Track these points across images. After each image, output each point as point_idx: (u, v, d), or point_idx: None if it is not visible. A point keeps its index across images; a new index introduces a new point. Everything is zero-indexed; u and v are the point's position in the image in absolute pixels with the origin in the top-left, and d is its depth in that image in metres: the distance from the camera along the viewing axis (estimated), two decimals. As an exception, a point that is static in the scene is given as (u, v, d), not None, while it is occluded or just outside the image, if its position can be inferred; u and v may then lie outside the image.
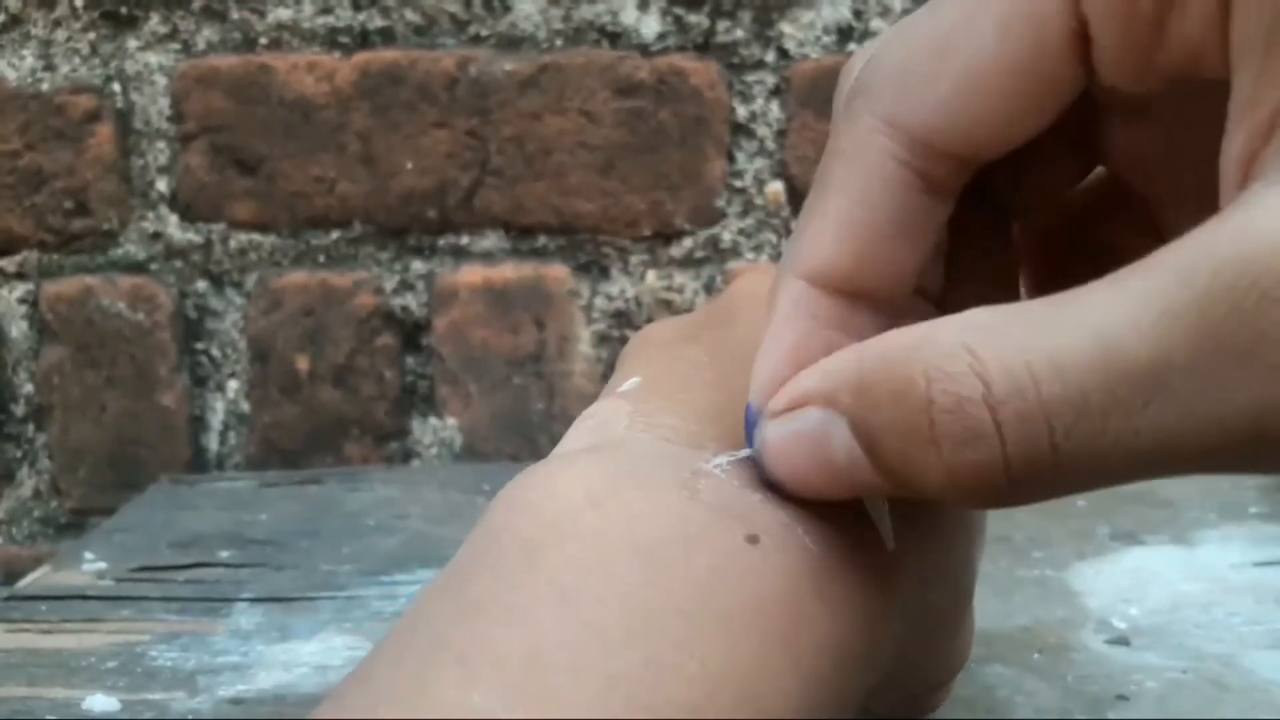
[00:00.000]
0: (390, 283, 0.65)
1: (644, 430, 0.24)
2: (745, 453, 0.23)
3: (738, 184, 0.63)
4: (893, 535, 0.23)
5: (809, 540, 0.22)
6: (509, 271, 0.64)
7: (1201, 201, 0.19)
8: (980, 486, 0.18)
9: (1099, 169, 0.25)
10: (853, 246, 0.22)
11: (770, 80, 0.63)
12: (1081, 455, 0.17)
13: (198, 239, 0.64)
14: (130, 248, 0.64)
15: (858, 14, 0.62)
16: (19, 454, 0.67)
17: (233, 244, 0.64)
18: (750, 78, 0.63)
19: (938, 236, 0.23)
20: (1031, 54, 0.20)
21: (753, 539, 0.21)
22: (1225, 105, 0.19)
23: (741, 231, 0.64)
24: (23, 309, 0.65)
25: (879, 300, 0.22)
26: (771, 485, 0.22)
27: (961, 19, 0.21)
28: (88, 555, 0.49)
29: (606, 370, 0.65)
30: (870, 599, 0.22)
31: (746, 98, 0.63)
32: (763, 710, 0.19)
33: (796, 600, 0.21)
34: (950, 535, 0.26)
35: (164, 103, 0.63)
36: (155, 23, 0.63)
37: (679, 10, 0.62)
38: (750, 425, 0.22)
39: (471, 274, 0.64)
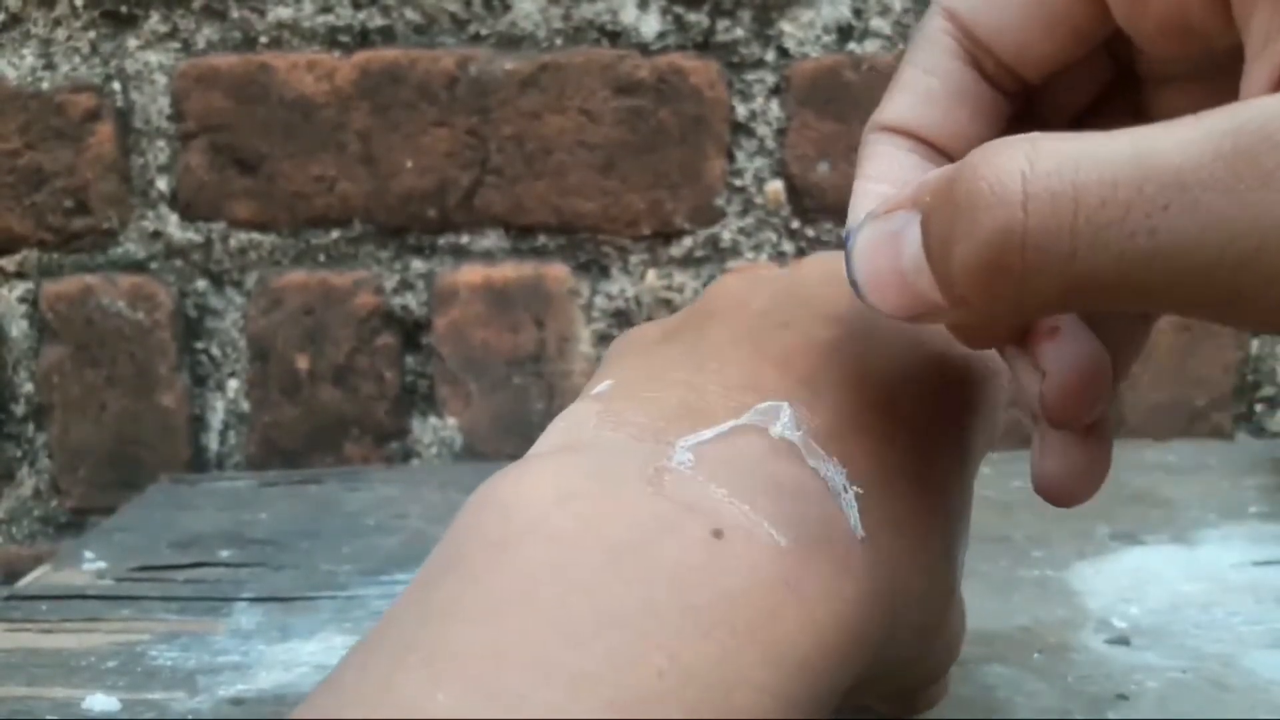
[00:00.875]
0: (390, 282, 0.65)
1: (612, 430, 0.24)
2: (709, 434, 0.24)
3: (738, 183, 0.63)
4: (860, 524, 0.23)
5: (776, 533, 0.22)
6: (509, 271, 0.64)
7: None
8: (996, 260, 0.18)
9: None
10: (920, 103, 0.25)
11: (770, 79, 0.63)
12: (1096, 244, 0.17)
13: (198, 238, 0.64)
14: (130, 247, 0.64)
15: (858, 13, 0.62)
16: (19, 454, 0.67)
17: (233, 243, 0.64)
18: (750, 77, 0.63)
19: (1001, 121, 0.25)
20: None
21: (717, 533, 0.21)
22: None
23: (741, 231, 0.64)
24: (23, 308, 0.65)
25: (951, 156, 0.25)
26: (738, 481, 0.22)
27: None
28: (88, 555, 0.49)
29: (606, 370, 0.65)
30: (842, 590, 0.22)
31: (746, 97, 0.63)
32: (733, 704, 0.19)
33: (765, 593, 0.21)
34: (926, 525, 0.26)
35: (164, 102, 0.63)
36: (155, 22, 0.63)
37: (679, 9, 0.62)
38: (848, 251, 0.23)
39: (471, 273, 0.64)
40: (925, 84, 0.25)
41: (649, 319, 0.64)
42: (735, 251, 0.64)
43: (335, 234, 0.64)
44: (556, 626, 0.19)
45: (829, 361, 0.26)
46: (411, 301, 0.65)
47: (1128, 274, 0.17)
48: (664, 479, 0.22)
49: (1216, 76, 0.23)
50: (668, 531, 0.21)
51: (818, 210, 0.63)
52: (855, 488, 0.24)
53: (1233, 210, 0.17)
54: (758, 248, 0.64)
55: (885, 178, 0.25)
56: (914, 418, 0.26)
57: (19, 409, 0.66)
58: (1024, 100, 0.26)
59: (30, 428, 0.66)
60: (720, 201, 0.63)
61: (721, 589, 0.20)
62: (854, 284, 0.22)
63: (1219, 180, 0.17)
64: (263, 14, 0.63)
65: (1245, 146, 0.17)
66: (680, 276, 0.64)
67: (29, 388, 0.66)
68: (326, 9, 0.63)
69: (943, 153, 0.25)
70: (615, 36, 0.63)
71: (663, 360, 0.27)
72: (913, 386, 0.26)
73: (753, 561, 0.21)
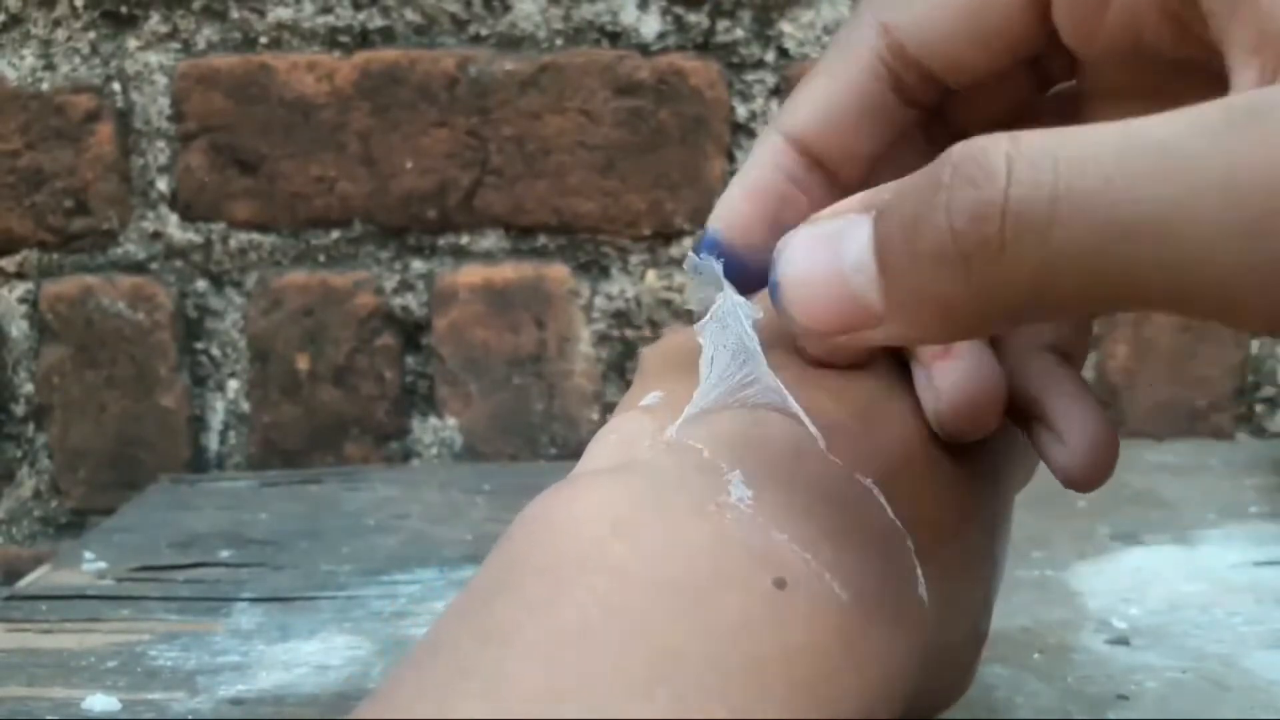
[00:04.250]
0: (390, 283, 0.65)
1: (666, 452, 0.23)
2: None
3: (738, 184, 0.63)
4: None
5: (836, 586, 0.21)
6: (509, 271, 0.64)
7: None
8: (976, 233, 0.17)
9: None
10: (821, 114, 0.25)
11: (770, 80, 0.63)
12: (1078, 216, 0.16)
13: (198, 239, 0.64)
14: (130, 247, 0.64)
15: (858, 14, 0.62)
16: (19, 454, 0.67)
17: (233, 244, 0.64)
18: (750, 77, 0.63)
19: (896, 132, 0.26)
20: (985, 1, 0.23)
21: (780, 583, 0.21)
22: (1203, 98, 0.19)
23: (741, 231, 0.64)
24: (23, 309, 0.65)
25: (836, 173, 0.25)
26: (799, 526, 0.21)
27: None
28: (88, 555, 0.49)
29: (606, 370, 0.65)
30: (895, 649, 0.22)
31: (746, 97, 0.63)
32: None
33: (824, 651, 0.20)
34: (972, 574, 0.26)
35: (164, 102, 0.63)
36: (155, 22, 0.63)
37: (679, 10, 0.62)
38: (706, 246, 0.23)
39: (471, 274, 0.64)
40: (835, 96, 0.25)
41: (649, 319, 0.64)
42: (735, 252, 0.64)
43: (335, 234, 0.64)
44: (617, 671, 0.19)
45: (879, 396, 0.26)
46: (411, 302, 0.65)
47: (1108, 248, 0.16)
48: (725, 516, 0.21)
49: (1160, 92, 0.23)
50: (731, 579, 0.20)
51: (818, 210, 0.63)
52: (910, 542, 0.23)
53: (1223, 181, 0.16)
54: (758, 248, 0.64)
55: (756, 188, 0.25)
56: (955, 460, 0.26)
57: (19, 409, 0.66)
58: (932, 112, 0.26)
59: (30, 428, 0.66)
60: (720, 202, 0.63)
61: (782, 644, 0.20)
62: (775, 290, 0.21)
63: (1209, 158, 0.16)
64: (263, 14, 0.63)
65: (1237, 124, 0.16)
66: (680, 277, 0.64)
67: (29, 388, 0.66)
68: (326, 9, 0.63)
69: (826, 171, 0.25)
70: (615, 37, 0.63)
71: None
72: None
73: (814, 617, 0.21)
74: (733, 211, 0.26)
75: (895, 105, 0.25)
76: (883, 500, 0.24)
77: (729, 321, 0.25)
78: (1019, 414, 0.26)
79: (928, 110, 0.26)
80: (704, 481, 0.22)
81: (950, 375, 0.25)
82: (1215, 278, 0.16)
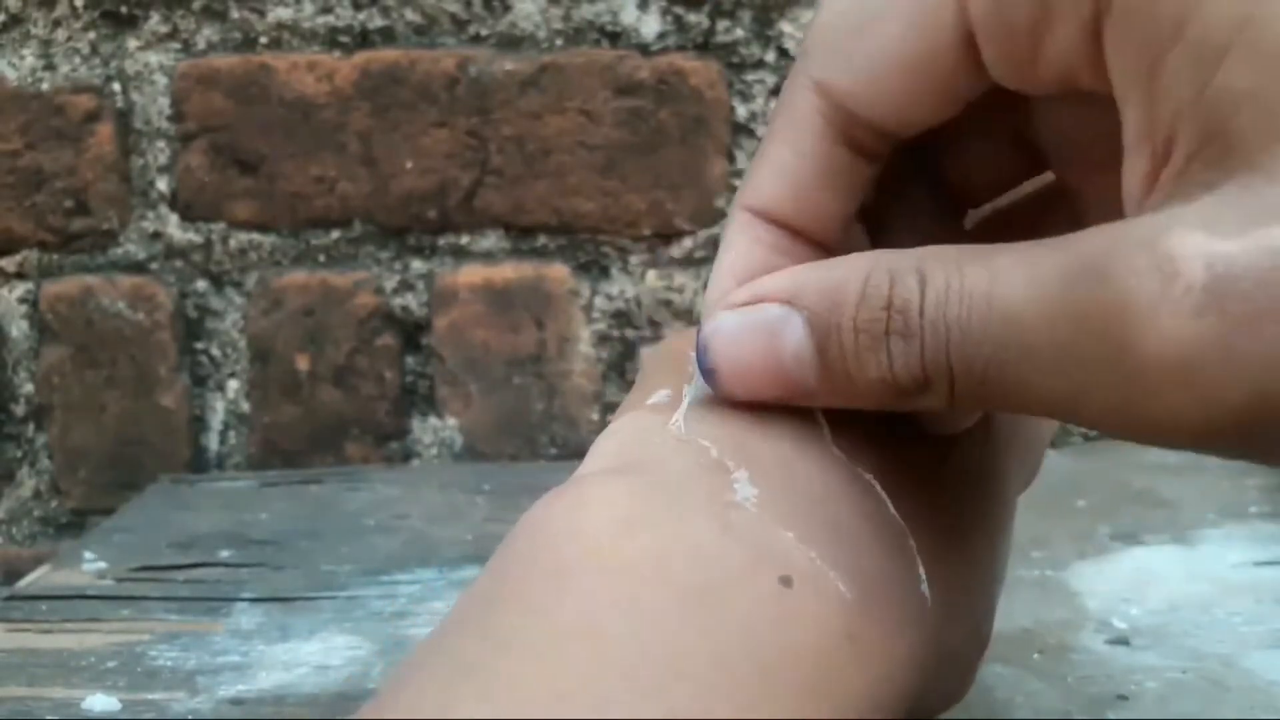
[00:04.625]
0: (390, 283, 0.65)
1: (671, 452, 0.23)
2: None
3: (738, 184, 0.63)
4: (926, 578, 0.23)
5: (841, 584, 0.21)
6: (509, 271, 0.64)
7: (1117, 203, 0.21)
8: (907, 377, 0.21)
9: (1047, 173, 0.27)
10: (785, 188, 0.25)
11: (770, 80, 0.63)
12: (964, 365, 0.20)
13: (198, 239, 0.64)
14: (130, 247, 0.64)
15: (858, 14, 0.62)
16: (19, 454, 0.67)
17: (233, 244, 0.64)
18: (750, 77, 0.63)
19: (864, 188, 0.25)
20: (927, 51, 0.23)
21: (786, 581, 0.21)
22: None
23: (741, 231, 0.64)
24: (23, 309, 0.65)
25: (812, 236, 0.25)
26: (804, 524, 0.22)
27: (879, 2, 0.23)
28: (88, 555, 0.49)
29: (607, 370, 0.65)
30: (898, 646, 0.22)
31: (746, 98, 0.63)
32: None
33: (830, 650, 0.20)
34: (976, 575, 0.26)
35: (164, 102, 0.63)
36: (155, 22, 0.63)
37: (679, 10, 0.62)
38: (703, 341, 0.24)
39: (471, 274, 0.64)
40: (790, 162, 0.24)
41: (649, 319, 0.64)
42: (735, 252, 0.64)
43: (335, 234, 0.64)
44: (622, 672, 0.18)
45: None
46: (411, 302, 0.65)
47: (987, 386, 0.20)
48: (730, 515, 0.21)
49: (1109, 103, 0.22)
50: (739, 578, 0.20)
51: (818, 211, 0.63)
52: (913, 540, 0.23)
53: (1049, 339, 0.19)
54: (758, 248, 0.64)
55: (744, 271, 0.24)
56: (957, 459, 0.26)
57: (19, 409, 0.66)
58: (889, 157, 0.25)
59: (30, 428, 0.66)
60: (720, 202, 0.63)
61: (789, 643, 0.20)
62: (708, 372, 0.23)
63: (1035, 318, 0.19)
64: (263, 14, 0.63)
65: (1066, 284, 0.19)
66: (680, 277, 0.64)
67: (29, 388, 0.66)
68: (326, 9, 0.63)
69: (804, 235, 0.25)
70: (615, 37, 0.63)
71: None
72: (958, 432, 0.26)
73: (820, 615, 0.21)
74: (724, 297, 0.25)
75: (852, 161, 0.24)
76: (884, 496, 0.24)
77: None
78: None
79: (883, 159, 0.25)
80: (710, 480, 0.22)
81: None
82: (1074, 415, 0.20)
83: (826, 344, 0.22)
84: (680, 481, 0.22)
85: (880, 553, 0.22)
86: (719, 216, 0.64)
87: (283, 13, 0.63)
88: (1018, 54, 0.22)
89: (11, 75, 0.63)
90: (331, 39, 0.63)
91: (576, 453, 0.64)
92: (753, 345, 0.23)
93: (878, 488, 0.24)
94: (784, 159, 0.25)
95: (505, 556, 0.21)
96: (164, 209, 0.64)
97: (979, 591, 0.26)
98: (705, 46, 0.62)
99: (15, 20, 0.63)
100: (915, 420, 0.26)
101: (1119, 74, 0.20)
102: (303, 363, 0.65)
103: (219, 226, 0.64)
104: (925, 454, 0.25)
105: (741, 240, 0.25)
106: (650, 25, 0.62)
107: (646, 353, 0.30)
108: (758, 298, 0.23)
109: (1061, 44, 0.21)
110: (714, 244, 0.64)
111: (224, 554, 0.49)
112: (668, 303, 0.64)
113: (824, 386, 0.22)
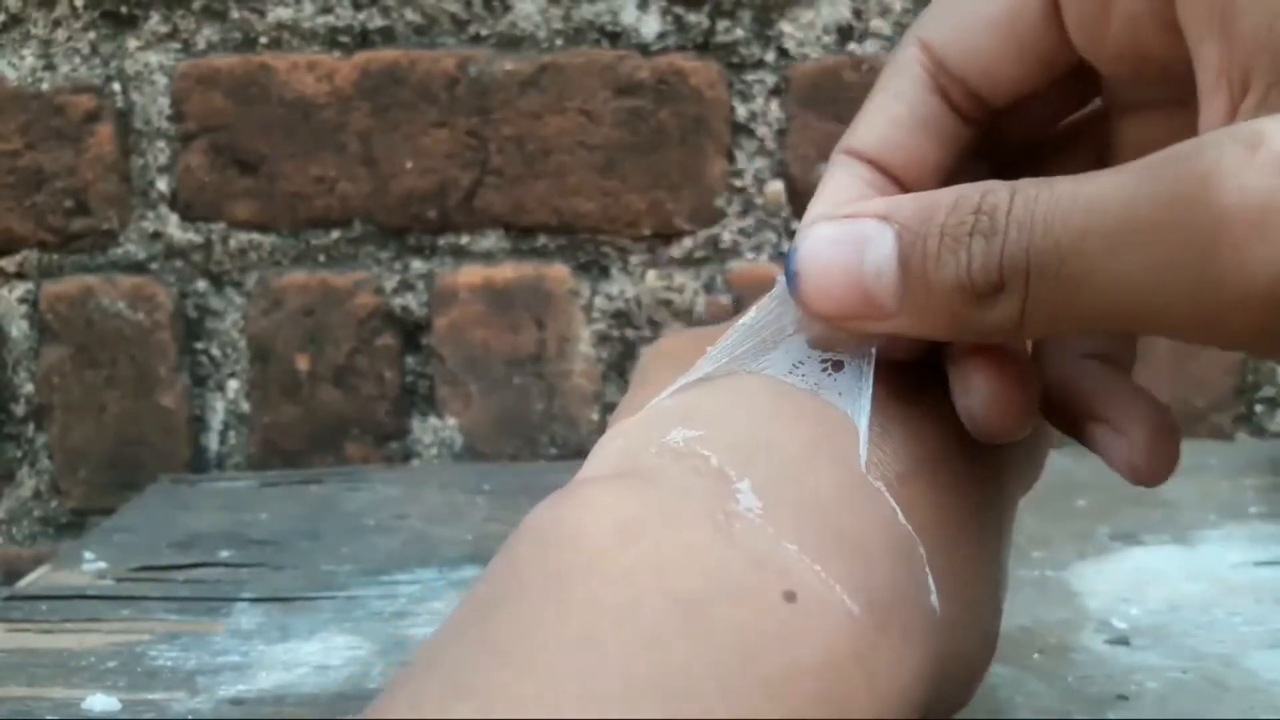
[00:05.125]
0: (390, 283, 0.65)
1: (673, 459, 0.23)
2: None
3: (738, 184, 0.63)
4: (935, 590, 0.23)
5: (847, 598, 0.21)
6: (509, 271, 0.64)
7: None
8: (984, 280, 0.21)
9: None
10: (884, 130, 0.26)
11: (770, 80, 0.63)
12: (1044, 269, 0.20)
13: (198, 239, 0.64)
14: (130, 247, 0.64)
15: (858, 13, 0.62)
16: (19, 454, 0.67)
17: (233, 244, 0.64)
18: (750, 77, 0.63)
19: (960, 147, 0.27)
20: (1013, 8, 0.25)
21: (790, 595, 0.20)
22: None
23: (741, 231, 0.64)
24: (23, 309, 0.65)
25: (909, 187, 0.26)
26: (809, 536, 0.21)
27: None
28: (88, 555, 0.49)
29: (607, 370, 0.65)
30: (906, 662, 0.21)
31: (746, 97, 0.63)
32: None
33: (837, 668, 0.20)
34: (983, 585, 0.26)
35: (164, 102, 0.63)
36: (155, 22, 0.63)
37: (679, 10, 0.62)
38: (794, 247, 0.24)
39: (471, 274, 0.64)
40: (894, 110, 0.26)
41: (649, 320, 0.64)
42: (735, 252, 0.64)
43: (335, 234, 0.64)
44: (621, 685, 0.18)
45: (894, 399, 0.25)
46: (411, 302, 0.65)
47: (1070, 291, 0.20)
48: (734, 526, 0.21)
49: (1179, 104, 0.24)
50: (740, 590, 0.20)
51: (818, 211, 0.63)
52: (922, 549, 0.23)
53: (1129, 227, 0.19)
54: (758, 249, 0.64)
55: (841, 202, 0.25)
56: (965, 464, 0.26)
57: (19, 409, 0.66)
58: (985, 128, 0.27)
59: (30, 428, 0.66)
60: (720, 202, 0.63)
61: (793, 660, 0.19)
62: (792, 275, 0.23)
63: (1117, 208, 0.19)
64: (263, 14, 0.63)
65: (1146, 177, 0.19)
66: (680, 277, 0.64)
67: (29, 388, 0.66)
68: (326, 9, 0.63)
69: (899, 181, 0.26)
70: (615, 37, 0.63)
71: (720, 382, 0.26)
72: (962, 433, 0.26)
73: (825, 632, 0.20)
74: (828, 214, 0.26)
75: (952, 119, 0.26)
76: (895, 505, 0.23)
77: (772, 309, 0.26)
78: (1068, 417, 0.26)
79: (981, 127, 0.27)
80: (711, 489, 0.22)
81: (986, 371, 0.24)
82: (1147, 308, 0.19)
83: (910, 254, 0.22)
84: (681, 489, 0.22)
85: (889, 565, 0.22)
86: (719, 216, 0.64)
87: (283, 13, 0.63)
88: (1092, 10, 0.23)
89: (11, 75, 0.63)
90: (331, 39, 0.63)
91: (577, 452, 0.64)
92: (839, 254, 0.23)
93: (886, 495, 0.23)
94: (884, 104, 0.26)
95: (505, 561, 0.21)
96: (164, 209, 0.64)
97: (987, 598, 0.26)
98: (705, 46, 0.62)
99: (15, 20, 0.63)
100: (933, 425, 0.25)
101: (1191, 22, 0.21)
102: (303, 363, 0.65)
103: (219, 226, 0.64)
104: (934, 458, 0.25)
105: (840, 174, 0.26)
106: (650, 25, 0.62)
107: (645, 352, 0.30)
108: (852, 213, 0.23)
109: (1135, 2, 0.23)
110: (714, 244, 0.64)
111: (224, 554, 0.49)
112: (668, 303, 0.64)
113: (899, 302, 0.22)
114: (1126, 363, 0.27)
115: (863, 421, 0.24)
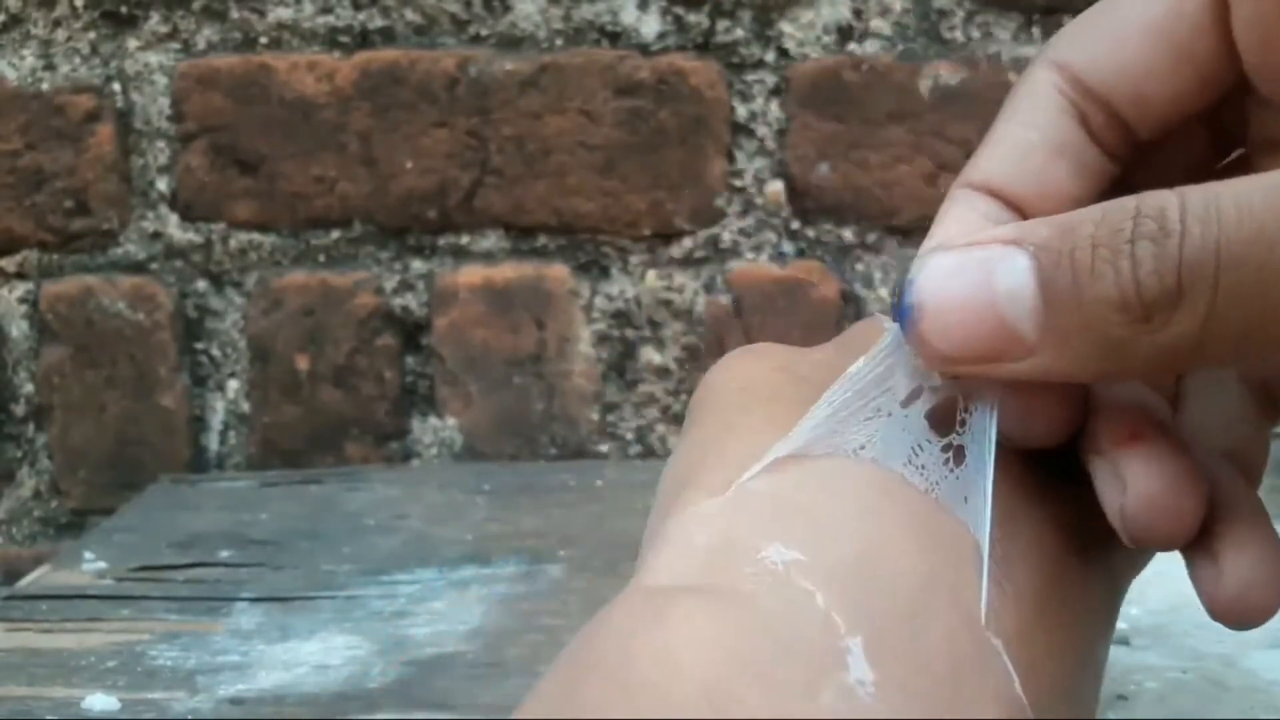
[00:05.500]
0: (390, 283, 0.65)
1: (771, 587, 0.19)
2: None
3: (738, 184, 0.63)
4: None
5: None
6: (509, 271, 0.64)
7: None
8: (1157, 285, 0.18)
9: None
10: (1013, 161, 0.23)
11: (770, 80, 0.63)
12: (1238, 264, 0.17)
13: (198, 239, 0.64)
14: (130, 248, 0.64)
15: (858, 14, 0.62)
16: (19, 454, 0.67)
17: (233, 244, 0.64)
18: (750, 78, 0.63)
19: (1101, 184, 0.23)
20: (1171, 16, 0.22)
21: None
22: None
23: (741, 231, 0.64)
24: (23, 309, 0.65)
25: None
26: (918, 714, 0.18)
27: None
28: (88, 555, 0.49)
29: (607, 370, 0.65)
30: None
31: (746, 98, 0.63)
32: None
33: None
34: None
35: (164, 102, 0.63)
36: (155, 22, 0.63)
37: (679, 10, 0.62)
38: (908, 280, 0.21)
39: (471, 274, 0.64)
40: (1023, 138, 0.23)
41: (649, 320, 0.64)
42: (735, 252, 0.64)
43: (335, 234, 0.64)
44: None
45: (1014, 497, 0.22)
46: (411, 302, 0.65)
47: (1268, 291, 0.17)
48: (842, 706, 0.17)
49: None
50: None
51: (818, 211, 0.63)
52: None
53: None
54: (758, 249, 0.64)
55: (959, 237, 0.22)
56: (1086, 587, 0.22)
57: (19, 409, 0.66)
58: (1127, 168, 0.24)
59: (30, 428, 0.66)
60: (720, 202, 0.63)
61: None
62: (908, 310, 0.20)
63: None
64: (263, 14, 0.63)
65: None
66: (680, 277, 0.64)
67: (29, 388, 0.66)
68: (326, 10, 0.63)
69: (1031, 215, 0.22)
70: (615, 37, 0.63)
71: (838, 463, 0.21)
72: (1086, 540, 0.22)
73: None
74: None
75: (1093, 152, 0.23)
76: (1013, 672, 0.19)
77: (882, 361, 0.22)
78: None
79: (1123, 165, 0.24)
80: (818, 646, 0.18)
81: (1146, 464, 0.20)
82: None
83: (1053, 273, 0.19)
84: (784, 640, 0.18)
85: None
86: (719, 216, 0.64)
87: (283, 13, 0.63)
88: (1268, 10, 0.21)
89: (11, 75, 0.63)
90: (331, 39, 0.63)
91: (576, 453, 0.64)
92: (963, 282, 0.20)
93: (1005, 659, 0.19)
94: (1014, 134, 0.23)
95: (571, 686, 0.18)
96: (164, 209, 0.64)
97: None
98: (705, 46, 0.62)
99: (15, 20, 0.63)
100: (1057, 528, 0.22)
101: None
102: (303, 363, 0.65)
103: (219, 226, 0.64)
104: (1055, 587, 0.21)
105: (959, 209, 0.23)
106: (650, 25, 0.62)
107: (713, 373, 0.25)
108: (973, 241, 0.20)
109: None
110: (714, 244, 0.64)
111: (224, 554, 0.49)
112: (668, 303, 0.64)
113: (1041, 328, 0.19)
114: (1258, 466, 0.24)
115: (984, 546, 0.20)
